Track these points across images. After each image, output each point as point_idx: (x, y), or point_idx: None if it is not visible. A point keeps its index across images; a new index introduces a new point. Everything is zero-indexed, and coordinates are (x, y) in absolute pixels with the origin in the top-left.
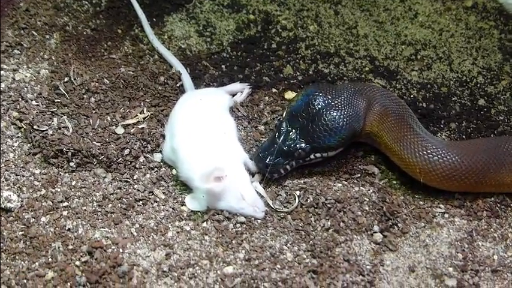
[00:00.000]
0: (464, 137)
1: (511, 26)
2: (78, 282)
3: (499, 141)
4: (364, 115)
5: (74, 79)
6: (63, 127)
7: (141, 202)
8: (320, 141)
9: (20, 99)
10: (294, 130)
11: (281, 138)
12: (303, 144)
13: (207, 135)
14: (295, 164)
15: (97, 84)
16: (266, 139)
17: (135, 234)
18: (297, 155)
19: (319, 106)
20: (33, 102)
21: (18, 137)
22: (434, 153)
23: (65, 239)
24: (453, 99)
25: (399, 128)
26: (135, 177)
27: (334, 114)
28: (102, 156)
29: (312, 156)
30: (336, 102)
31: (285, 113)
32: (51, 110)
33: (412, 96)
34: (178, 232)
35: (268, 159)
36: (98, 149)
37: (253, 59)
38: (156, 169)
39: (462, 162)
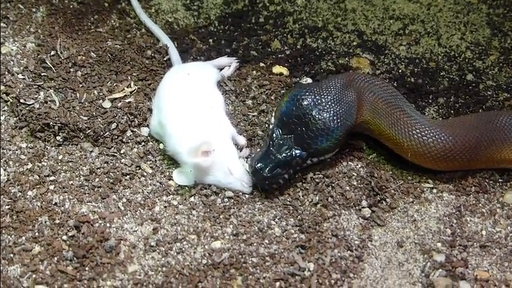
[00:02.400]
0: (452, 112)
1: (499, 1)
2: (65, 257)
3: (488, 116)
4: (356, 108)
5: (61, 52)
6: (49, 101)
7: (128, 176)
8: (317, 147)
9: (6, 72)
10: (288, 137)
11: (276, 148)
12: (299, 152)
13: (194, 110)
14: (293, 172)
15: (84, 57)
16: (259, 148)
17: (122, 208)
18: (294, 164)
19: (309, 109)
20: (20, 76)
21: (4, 110)
22: (428, 136)
23: (51, 213)
24: (441, 74)
25: (392, 113)
26: (122, 152)
27: (326, 115)
28: (89, 130)
29: (309, 162)
30: (325, 101)
31: (273, 118)
32: (38, 83)
33: (400, 71)
34: (165, 207)
35: (266, 172)
36: (85, 123)
37: (240, 33)
38: (143, 143)
39: (456, 142)
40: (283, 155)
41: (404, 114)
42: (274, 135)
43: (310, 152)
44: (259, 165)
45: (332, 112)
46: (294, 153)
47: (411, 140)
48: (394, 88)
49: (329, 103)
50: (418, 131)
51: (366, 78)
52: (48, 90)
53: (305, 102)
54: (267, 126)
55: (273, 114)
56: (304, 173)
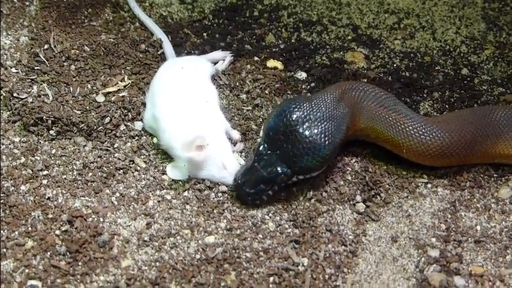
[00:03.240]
0: (447, 106)
1: None
2: (58, 252)
3: (483, 111)
4: (348, 121)
5: (54, 46)
6: (43, 95)
7: (121, 171)
8: (302, 165)
9: None
10: (273, 153)
11: (260, 164)
12: (284, 169)
13: (188, 104)
14: (277, 189)
15: (77, 51)
16: (245, 162)
17: (116, 203)
18: (279, 181)
19: (297, 125)
20: (13, 70)
21: None
22: (425, 134)
23: (44, 207)
24: (436, 68)
25: (387, 116)
26: (115, 146)
27: (313, 133)
28: (83, 125)
29: (294, 179)
30: (314, 118)
31: (261, 132)
32: (31, 77)
33: (395, 65)
34: (159, 201)
35: (248, 188)
36: (78, 117)
37: (235, 26)
38: (136, 137)
39: (452, 138)
40: (268, 171)
41: (399, 115)
42: (259, 150)
43: (296, 170)
44: (242, 180)
45: (320, 129)
46: (278, 170)
47: (409, 141)
48: (385, 91)
49: (318, 120)
50: (415, 130)
51: (359, 87)
52: (41, 84)
53: (293, 118)
54: (260, 122)
55: (262, 127)
56: None
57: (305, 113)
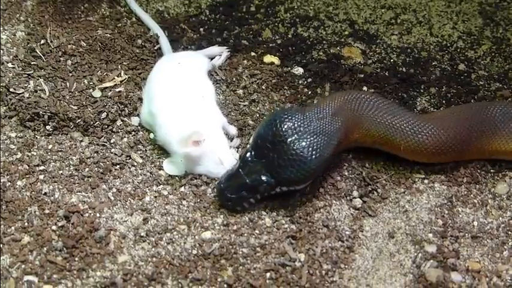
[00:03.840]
0: (444, 102)
1: None
2: (55, 247)
3: (479, 107)
4: (341, 136)
5: (51, 41)
6: (39, 90)
7: (118, 166)
8: (286, 176)
9: None
10: (259, 161)
11: (245, 171)
12: (268, 178)
13: (185, 99)
14: (260, 197)
15: (74, 46)
16: (230, 168)
17: (112, 198)
18: (262, 190)
19: (285, 136)
20: (9, 65)
21: None
22: (422, 133)
23: (41, 203)
24: (433, 63)
25: (383, 121)
26: (112, 141)
27: (301, 145)
28: (79, 120)
29: (278, 190)
30: (304, 130)
31: (251, 139)
32: (28, 72)
33: (392, 60)
34: (155, 197)
35: (230, 193)
36: (75, 112)
37: (231, 22)
38: (133, 133)
39: (448, 135)
40: (251, 178)
41: (394, 117)
42: (245, 156)
43: (279, 181)
44: (224, 185)
45: (308, 143)
46: (262, 178)
47: (406, 141)
48: (378, 95)
49: (307, 133)
50: (411, 130)
51: (352, 98)
52: (38, 79)
53: (282, 129)
54: (257, 117)
55: (253, 134)
56: None
57: (296, 125)
